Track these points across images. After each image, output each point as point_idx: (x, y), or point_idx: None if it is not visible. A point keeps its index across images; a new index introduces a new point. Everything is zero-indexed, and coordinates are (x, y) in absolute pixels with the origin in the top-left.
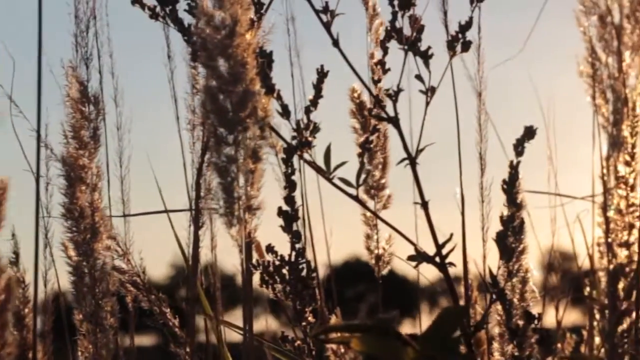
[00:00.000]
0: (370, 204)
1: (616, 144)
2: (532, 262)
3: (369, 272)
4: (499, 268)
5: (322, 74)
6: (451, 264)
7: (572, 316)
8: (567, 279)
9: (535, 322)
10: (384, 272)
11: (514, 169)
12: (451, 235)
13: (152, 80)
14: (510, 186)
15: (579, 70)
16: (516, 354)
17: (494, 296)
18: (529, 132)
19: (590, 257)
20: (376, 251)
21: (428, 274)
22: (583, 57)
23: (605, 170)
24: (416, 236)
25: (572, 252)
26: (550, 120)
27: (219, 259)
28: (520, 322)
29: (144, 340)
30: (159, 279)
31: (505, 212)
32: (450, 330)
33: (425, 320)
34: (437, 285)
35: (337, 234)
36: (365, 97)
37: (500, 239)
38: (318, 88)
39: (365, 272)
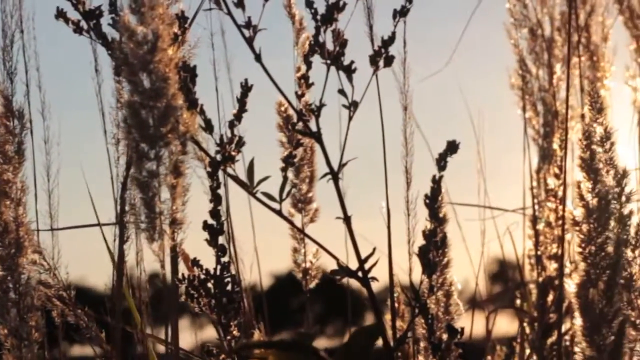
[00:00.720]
0: (298, 217)
1: (546, 156)
2: (458, 275)
3: (327, 277)
4: (421, 282)
5: (246, 88)
6: (374, 278)
7: (506, 326)
8: (502, 290)
9: (459, 336)
10: (312, 285)
11: (436, 184)
12: (374, 249)
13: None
14: (433, 201)
15: (510, 82)
16: None
17: (417, 310)
18: (452, 147)
19: (521, 270)
20: (303, 265)
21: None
22: (514, 69)
23: (535, 183)
24: (346, 249)
25: (504, 263)
26: (480, 133)
27: (147, 272)
28: (444, 336)
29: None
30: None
31: (428, 226)
32: (364, 347)
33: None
34: (380, 295)
35: (279, 246)
36: (292, 111)
37: (423, 253)
38: (242, 102)
39: (325, 277)
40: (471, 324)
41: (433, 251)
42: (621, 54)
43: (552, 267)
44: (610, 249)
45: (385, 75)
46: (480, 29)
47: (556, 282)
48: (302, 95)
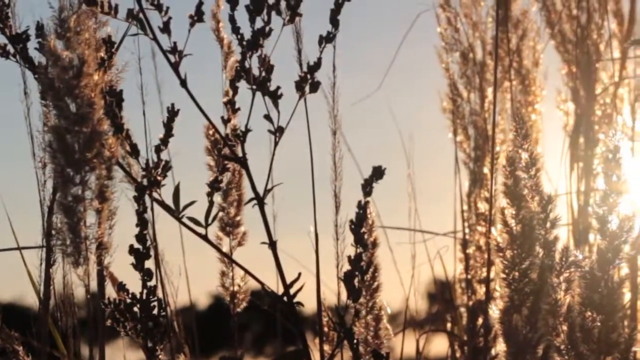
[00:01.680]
0: (226, 241)
1: (477, 180)
2: (395, 297)
3: (252, 302)
4: (346, 307)
5: (172, 113)
6: (299, 303)
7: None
8: (433, 313)
9: None
10: (240, 309)
11: (361, 209)
12: (299, 274)
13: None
14: (358, 226)
15: (442, 106)
16: None
17: (342, 335)
18: (378, 173)
19: (452, 293)
20: (231, 288)
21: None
22: (445, 93)
23: (466, 207)
24: (276, 272)
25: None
26: (412, 156)
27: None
28: None
29: None
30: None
31: (354, 252)
32: None
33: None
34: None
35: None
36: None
37: (348, 278)
38: (168, 127)
39: (250, 303)
40: (402, 346)
41: (358, 276)
42: (553, 78)
43: (482, 291)
44: (534, 275)
45: (318, 99)
46: (412, 53)
47: (485, 306)
48: (229, 120)
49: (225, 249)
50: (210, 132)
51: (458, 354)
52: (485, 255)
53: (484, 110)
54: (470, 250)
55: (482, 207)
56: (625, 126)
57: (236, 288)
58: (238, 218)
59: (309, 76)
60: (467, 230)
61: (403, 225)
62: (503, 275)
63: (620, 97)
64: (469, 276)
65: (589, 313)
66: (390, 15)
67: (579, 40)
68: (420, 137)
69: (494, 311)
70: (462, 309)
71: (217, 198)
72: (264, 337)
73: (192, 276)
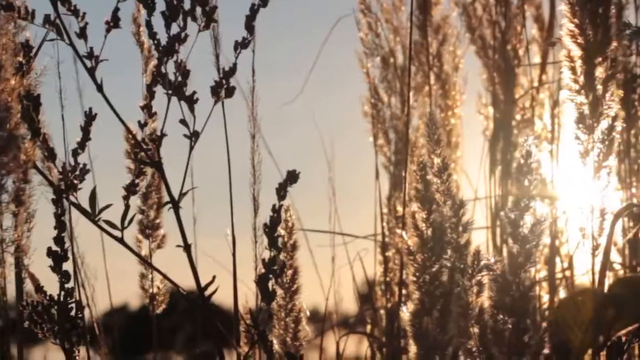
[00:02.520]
0: (145, 243)
1: (397, 184)
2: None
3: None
4: (260, 310)
5: (90, 117)
6: (213, 305)
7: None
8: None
9: None
10: (159, 310)
11: (276, 213)
12: (214, 277)
13: None
14: (272, 229)
15: (363, 110)
16: None
17: (255, 337)
18: (292, 177)
19: (373, 295)
20: (150, 290)
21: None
22: (366, 97)
23: (386, 210)
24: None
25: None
26: (332, 160)
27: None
28: None
29: None
30: None
31: (268, 255)
32: None
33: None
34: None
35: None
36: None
37: (262, 281)
38: (86, 131)
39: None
40: (320, 348)
41: (272, 279)
42: (474, 82)
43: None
44: (444, 278)
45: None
46: (334, 58)
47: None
48: (145, 124)
49: (144, 251)
50: (130, 136)
51: (377, 356)
52: (404, 258)
53: (404, 114)
54: (390, 253)
55: (401, 210)
56: (545, 130)
57: (155, 290)
58: (158, 221)
59: (224, 81)
60: (386, 233)
61: (324, 228)
62: (414, 279)
63: (540, 101)
64: (388, 278)
65: (501, 316)
66: (312, 20)
67: (499, 45)
68: (341, 140)
69: (405, 313)
70: (382, 311)
71: (137, 201)
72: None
73: (120, 278)
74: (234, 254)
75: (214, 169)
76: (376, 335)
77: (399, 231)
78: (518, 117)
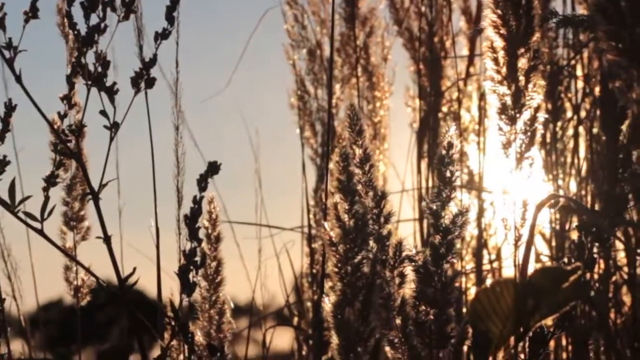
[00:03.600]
0: (70, 235)
1: (324, 176)
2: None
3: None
4: (181, 302)
5: (9, 108)
6: (132, 299)
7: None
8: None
9: (219, 355)
10: (83, 303)
11: (197, 204)
12: (134, 269)
13: None
14: (193, 221)
15: (289, 102)
16: None
17: (176, 329)
18: (213, 168)
19: (298, 288)
20: (75, 282)
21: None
22: (292, 89)
23: (312, 202)
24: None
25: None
26: (259, 152)
27: None
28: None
29: None
30: None
31: (188, 246)
32: None
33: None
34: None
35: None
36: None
37: (182, 273)
38: (5, 122)
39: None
40: (247, 340)
41: (193, 270)
42: (401, 75)
43: (327, 285)
44: (366, 269)
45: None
46: (261, 50)
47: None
48: (65, 115)
49: (69, 243)
50: (55, 127)
51: (304, 348)
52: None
53: (331, 106)
54: (316, 245)
55: (329, 202)
56: (473, 122)
57: (80, 282)
58: (82, 212)
59: (144, 72)
60: (313, 225)
61: (250, 220)
62: (335, 270)
63: (467, 94)
64: (315, 270)
65: (423, 307)
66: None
67: (426, 38)
68: (268, 132)
69: (327, 305)
70: (309, 303)
71: (61, 193)
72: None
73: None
74: (157, 246)
75: (141, 161)
76: (302, 328)
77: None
78: (445, 109)
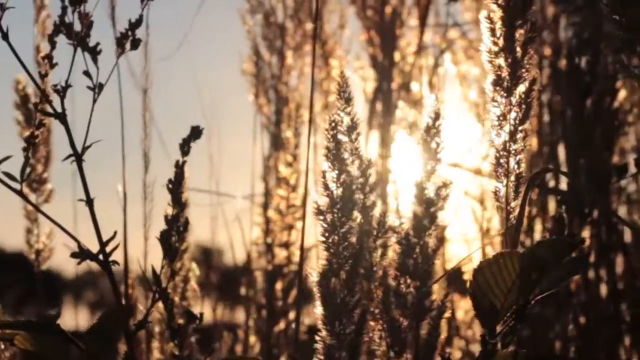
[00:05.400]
0: (32, 197)
1: (277, 143)
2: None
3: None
4: (162, 267)
5: None
6: (115, 262)
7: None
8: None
9: (197, 321)
10: (44, 266)
11: (179, 169)
12: (115, 233)
13: None
14: (176, 185)
15: (242, 68)
16: (176, 352)
17: (157, 295)
18: (196, 132)
19: (248, 257)
20: (36, 245)
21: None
22: (247, 55)
23: (266, 170)
24: (76, 231)
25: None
26: (212, 118)
27: None
28: (181, 321)
29: None
30: None
31: (170, 211)
32: (113, 329)
33: (69, 313)
34: (82, 279)
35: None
36: (31, 90)
37: (165, 238)
38: None
39: (18, 262)
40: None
41: (174, 236)
42: (353, 44)
43: (282, 254)
44: (353, 239)
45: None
46: (215, 13)
47: (285, 270)
48: (46, 74)
49: (30, 205)
50: (20, 86)
51: (252, 318)
52: (286, 219)
53: (283, 74)
54: (270, 213)
55: (284, 170)
56: (423, 94)
57: (41, 245)
58: (45, 175)
59: (129, 33)
60: (266, 194)
61: (202, 188)
62: (322, 239)
63: (420, 65)
64: (269, 240)
65: (404, 279)
66: None
67: (379, 6)
68: (221, 99)
69: (313, 275)
70: (258, 273)
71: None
72: (25, 298)
73: None
74: (125, 210)
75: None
76: (251, 298)
77: (281, 192)
78: (398, 80)
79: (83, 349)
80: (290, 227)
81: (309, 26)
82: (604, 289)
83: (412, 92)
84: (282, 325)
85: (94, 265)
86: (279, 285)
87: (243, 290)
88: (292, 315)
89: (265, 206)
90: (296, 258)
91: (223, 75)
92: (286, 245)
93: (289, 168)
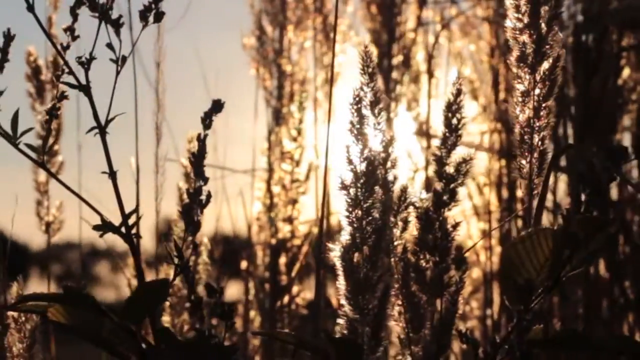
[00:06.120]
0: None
1: (280, 118)
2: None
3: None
4: (184, 240)
5: (8, 37)
6: (137, 235)
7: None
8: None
9: (218, 295)
10: (55, 238)
11: (201, 142)
12: (137, 205)
13: None
14: (199, 158)
15: (243, 42)
16: (197, 326)
17: (178, 269)
18: (217, 106)
19: (249, 231)
20: (46, 218)
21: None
22: (250, 30)
23: (268, 145)
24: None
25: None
26: (214, 92)
27: None
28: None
29: None
30: None
31: (194, 184)
32: (152, 303)
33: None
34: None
35: None
36: (42, 62)
37: (186, 211)
38: (4, 52)
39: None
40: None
41: (196, 209)
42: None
43: (285, 229)
44: (376, 213)
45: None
46: None
47: (289, 244)
48: (68, 47)
49: (41, 177)
50: (32, 58)
51: (252, 292)
52: (290, 194)
53: (283, 48)
54: (274, 188)
55: (288, 145)
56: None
57: (52, 218)
58: (56, 147)
59: (153, 5)
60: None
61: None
62: (346, 214)
63: (419, 42)
64: (272, 214)
65: (423, 254)
66: None
67: None
68: (222, 73)
69: (336, 249)
70: (259, 247)
71: (37, 126)
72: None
73: None
74: (137, 182)
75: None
76: (252, 272)
77: (285, 166)
78: (400, 56)
79: (117, 322)
80: (294, 202)
81: (309, 0)
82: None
83: (412, 68)
84: (285, 299)
85: (61, 239)
86: (282, 260)
87: (244, 265)
88: (295, 290)
89: (269, 181)
90: (300, 232)
91: (225, 49)
92: (290, 219)
93: (294, 142)
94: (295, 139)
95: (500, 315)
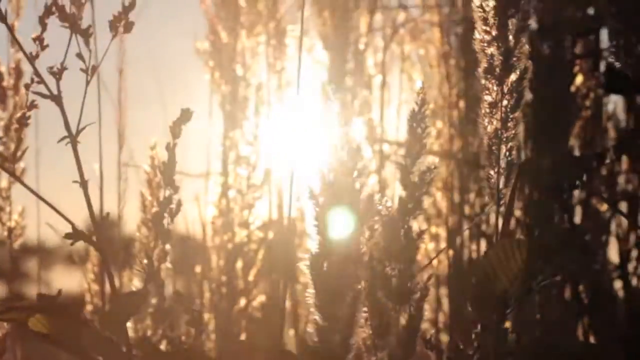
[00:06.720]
0: (4, 176)
1: (234, 122)
2: None
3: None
4: (154, 249)
5: None
6: (108, 242)
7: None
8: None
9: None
10: (17, 244)
11: (171, 151)
12: (107, 214)
13: None
14: (169, 168)
15: (196, 47)
16: (169, 334)
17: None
18: (186, 115)
19: (204, 235)
20: (8, 223)
21: None
22: (204, 34)
23: (223, 149)
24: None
25: (187, 230)
26: (167, 97)
27: None
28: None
29: None
30: None
31: (164, 194)
32: (130, 313)
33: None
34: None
35: None
36: (4, 69)
37: (157, 220)
38: None
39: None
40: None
41: (168, 218)
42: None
43: (242, 233)
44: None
45: None
46: None
47: (245, 249)
48: (37, 56)
49: (3, 183)
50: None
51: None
52: (246, 198)
53: (236, 53)
54: (233, 192)
55: (244, 150)
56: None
57: (14, 224)
58: (19, 153)
59: (123, 16)
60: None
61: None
62: (315, 222)
63: (372, 47)
64: (228, 219)
65: (389, 262)
66: None
67: None
68: (176, 77)
69: (306, 258)
70: (213, 251)
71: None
72: None
73: None
74: (101, 188)
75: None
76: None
77: (240, 171)
78: (352, 63)
79: (97, 331)
80: (250, 207)
81: (262, 5)
82: None
83: (365, 73)
84: (242, 303)
85: None
86: (239, 264)
87: (198, 269)
88: (253, 293)
89: (224, 185)
90: (256, 237)
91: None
92: (246, 224)
93: (248, 147)
94: (251, 144)
95: (451, 321)
